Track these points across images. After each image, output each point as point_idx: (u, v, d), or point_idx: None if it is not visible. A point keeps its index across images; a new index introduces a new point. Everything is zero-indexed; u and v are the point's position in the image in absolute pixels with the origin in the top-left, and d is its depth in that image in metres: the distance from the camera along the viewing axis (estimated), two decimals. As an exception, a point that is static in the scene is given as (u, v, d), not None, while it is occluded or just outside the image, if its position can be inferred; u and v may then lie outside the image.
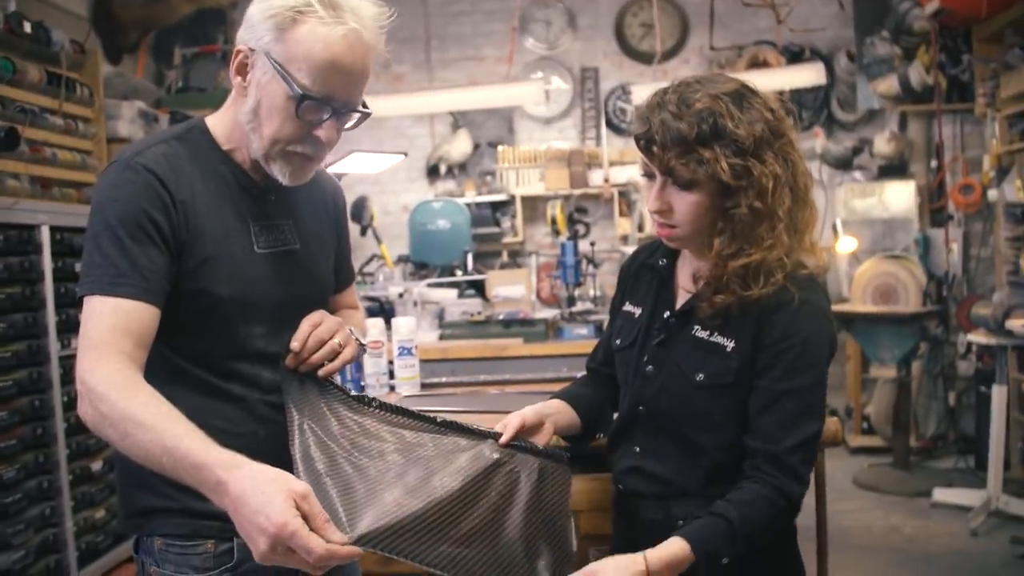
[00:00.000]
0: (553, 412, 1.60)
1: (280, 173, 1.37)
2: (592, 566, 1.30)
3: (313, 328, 1.43)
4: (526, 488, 1.43)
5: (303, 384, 1.42)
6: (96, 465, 3.42)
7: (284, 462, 1.35)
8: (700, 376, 1.45)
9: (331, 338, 1.44)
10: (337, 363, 1.45)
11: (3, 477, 2.93)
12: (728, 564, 1.45)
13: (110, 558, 3.47)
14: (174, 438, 1.14)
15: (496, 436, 1.47)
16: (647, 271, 1.62)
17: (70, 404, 3.27)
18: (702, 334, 1.47)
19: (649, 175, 1.46)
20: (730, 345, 1.43)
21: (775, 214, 1.40)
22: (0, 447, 2.93)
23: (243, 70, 1.34)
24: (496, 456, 1.43)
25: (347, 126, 1.38)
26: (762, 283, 1.40)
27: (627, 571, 1.29)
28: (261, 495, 1.06)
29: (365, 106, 1.38)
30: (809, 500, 1.92)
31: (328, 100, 1.31)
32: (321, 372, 1.44)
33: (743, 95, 1.41)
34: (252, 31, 1.31)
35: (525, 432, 1.51)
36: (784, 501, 1.37)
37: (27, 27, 3.33)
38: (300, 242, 1.48)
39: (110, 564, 3.46)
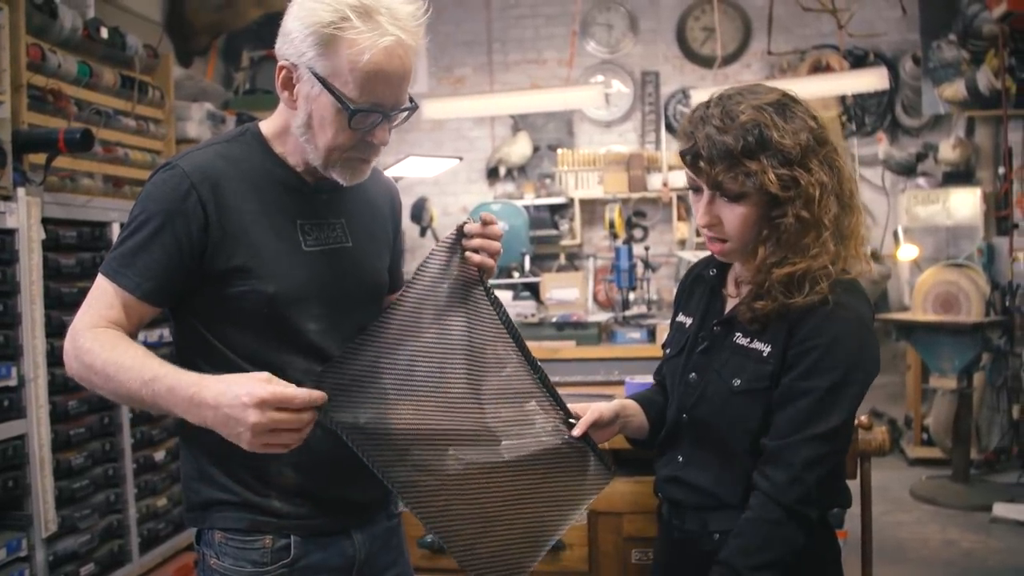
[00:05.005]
0: (628, 415, 1.62)
1: (340, 177, 1.41)
2: None
3: (495, 222, 1.51)
4: (563, 472, 1.47)
5: (447, 266, 1.48)
6: (159, 455, 3.53)
7: (339, 457, 1.41)
8: (737, 382, 1.45)
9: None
10: (491, 262, 1.50)
11: (72, 463, 3.05)
12: None
13: (170, 545, 3.57)
14: (150, 371, 1.26)
15: (569, 420, 1.50)
16: (700, 282, 1.63)
17: (136, 395, 3.39)
18: (742, 341, 1.47)
19: (696, 189, 1.46)
20: (766, 350, 1.43)
21: (821, 223, 1.40)
22: (69, 435, 3.05)
23: (288, 84, 1.37)
24: (556, 433, 1.48)
25: (396, 123, 1.41)
26: (806, 291, 1.39)
27: None
28: (235, 385, 1.19)
29: (412, 100, 1.40)
30: (855, 510, 1.92)
31: (377, 107, 1.34)
32: (477, 259, 1.48)
33: (786, 105, 1.41)
34: (293, 46, 1.33)
35: (596, 426, 1.53)
36: (778, 509, 1.36)
37: (104, 33, 3.47)
38: (352, 240, 1.51)
39: (170, 551, 3.57)
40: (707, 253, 1.68)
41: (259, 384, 1.17)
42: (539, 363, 1.52)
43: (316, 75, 1.32)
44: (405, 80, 1.35)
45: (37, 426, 2.84)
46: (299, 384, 1.40)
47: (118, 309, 1.35)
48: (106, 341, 1.31)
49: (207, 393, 1.20)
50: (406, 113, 1.40)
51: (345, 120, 1.33)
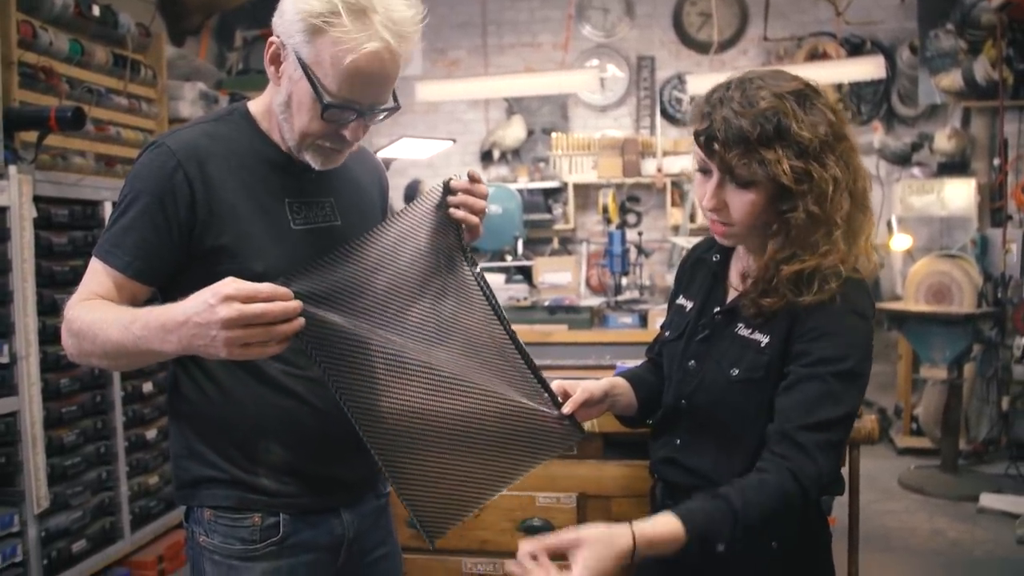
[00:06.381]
0: (617, 393, 1.61)
1: (312, 161, 1.42)
2: (576, 533, 1.24)
3: (481, 180, 1.51)
4: (527, 425, 1.44)
5: (436, 214, 1.46)
6: (151, 433, 3.54)
7: (327, 436, 1.42)
8: (735, 371, 1.44)
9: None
10: (475, 219, 1.48)
11: (64, 441, 3.05)
12: (756, 567, 1.44)
13: (161, 523, 3.59)
14: (130, 316, 1.25)
15: (556, 400, 1.47)
16: (702, 266, 1.61)
17: (128, 373, 3.40)
18: (744, 332, 1.46)
19: (705, 171, 1.43)
20: (764, 340, 1.43)
21: (832, 220, 1.37)
22: (61, 412, 3.05)
23: (276, 60, 1.37)
24: (530, 397, 1.45)
25: (375, 121, 1.40)
26: (815, 289, 1.37)
27: (610, 546, 1.23)
28: (201, 294, 1.16)
29: (396, 99, 1.40)
30: (843, 498, 1.93)
31: (352, 104, 1.33)
32: (460, 214, 1.46)
33: (807, 95, 1.38)
34: (284, 25, 1.33)
35: (585, 404, 1.51)
36: (795, 484, 1.31)
37: (96, 10, 3.45)
38: (341, 218, 1.51)
39: (161, 528, 3.59)
40: (701, 239, 1.67)
41: (223, 284, 1.15)
42: (522, 341, 1.50)
43: (300, 59, 1.31)
44: (387, 83, 1.35)
45: (29, 403, 2.84)
46: (288, 364, 1.41)
47: (108, 287, 1.35)
48: (91, 306, 1.32)
49: (176, 312, 1.18)
50: (385, 113, 1.39)
51: (318, 111, 1.33)
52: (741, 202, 1.40)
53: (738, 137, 1.34)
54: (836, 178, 1.36)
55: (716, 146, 1.37)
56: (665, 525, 1.26)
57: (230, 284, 1.14)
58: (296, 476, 1.43)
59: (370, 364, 1.32)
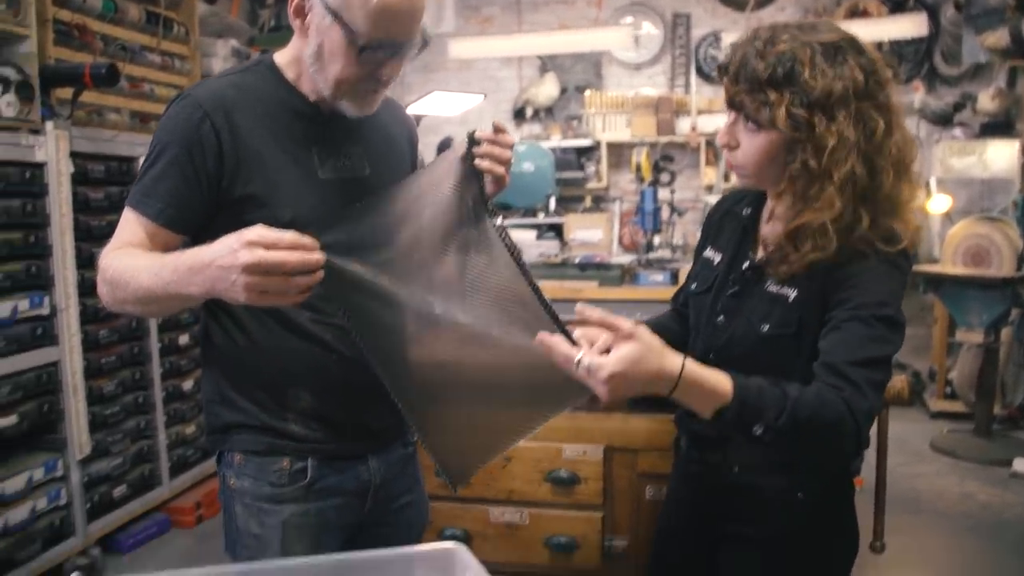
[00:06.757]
0: None
1: (349, 108, 1.42)
2: (635, 328, 1.22)
3: (506, 131, 1.50)
4: (550, 380, 1.39)
5: (461, 166, 1.45)
6: (187, 384, 3.62)
7: (354, 383, 1.44)
8: (765, 327, 1.44)
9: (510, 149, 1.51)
10: (500, 169, 1.46)
11: (103, 390, 3.14)
12: (781, 517, 1.46)
13: (198, 471, 3.69)
14: (159, 261, 1.28)
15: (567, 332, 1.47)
16: (732, 219, 1.60)
17: (164, 326, 3.47)
18: (774, 288, 1.45)
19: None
20: (792, 295, 1.42)
21: (828, 175, 1.35)
22: (101, 362, 3.13)
23: (301, 12, 1.37)
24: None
25: (410, 57, 1.40)
26: (809, 246, 1.36)
27: (657, 357, 1.22)
28: (227, 238, 1.18)
29: (423, 35, 1.40)
30: (871, 457, 1.93)
31: (385, 43, 1.33)
32: (485, 165, 1.44)
33: (840, 49, 1.35)
34: None
35: None
36: (847, 411, 1.26)
37: (130, -35, 3.46)
38: (370, 168, 1.52)
39: (198, 476, 3.69)
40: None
41: (249, 229, 1.16)
42: (550, 298, 1.49)
43: (328, 6, 1.32)
44: (415, 16, 1.35)
45: (70, 353, 2.91)
46: (315, 312, 1.43)
47: (141, 237, 1.37)
48: (123, 254, 1.34)
49: (203, 255, 1.20)
50: (415, 51, 1.39)
51: (354, 54, 1.33)
52: (750, 144, 1.40)
53: (749, 74, 1.35)
54: (842, 135, 1.33)
55: (727, 79, 1.39)
56: (716, 377, 1.26)
57: (256, 230, 1.16)
58: (324, 422, 1.46)
59: (394, 316, 1.34)
